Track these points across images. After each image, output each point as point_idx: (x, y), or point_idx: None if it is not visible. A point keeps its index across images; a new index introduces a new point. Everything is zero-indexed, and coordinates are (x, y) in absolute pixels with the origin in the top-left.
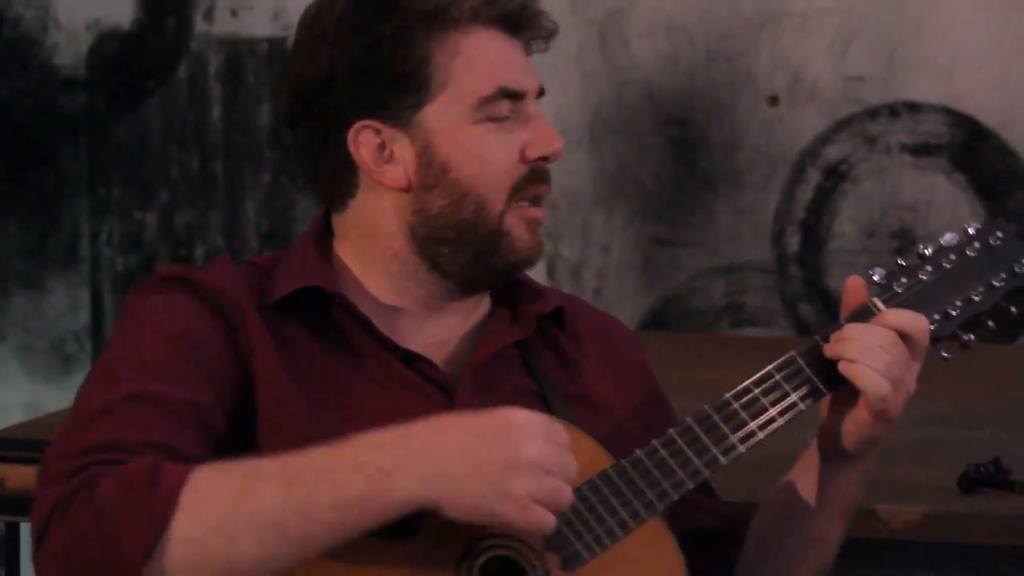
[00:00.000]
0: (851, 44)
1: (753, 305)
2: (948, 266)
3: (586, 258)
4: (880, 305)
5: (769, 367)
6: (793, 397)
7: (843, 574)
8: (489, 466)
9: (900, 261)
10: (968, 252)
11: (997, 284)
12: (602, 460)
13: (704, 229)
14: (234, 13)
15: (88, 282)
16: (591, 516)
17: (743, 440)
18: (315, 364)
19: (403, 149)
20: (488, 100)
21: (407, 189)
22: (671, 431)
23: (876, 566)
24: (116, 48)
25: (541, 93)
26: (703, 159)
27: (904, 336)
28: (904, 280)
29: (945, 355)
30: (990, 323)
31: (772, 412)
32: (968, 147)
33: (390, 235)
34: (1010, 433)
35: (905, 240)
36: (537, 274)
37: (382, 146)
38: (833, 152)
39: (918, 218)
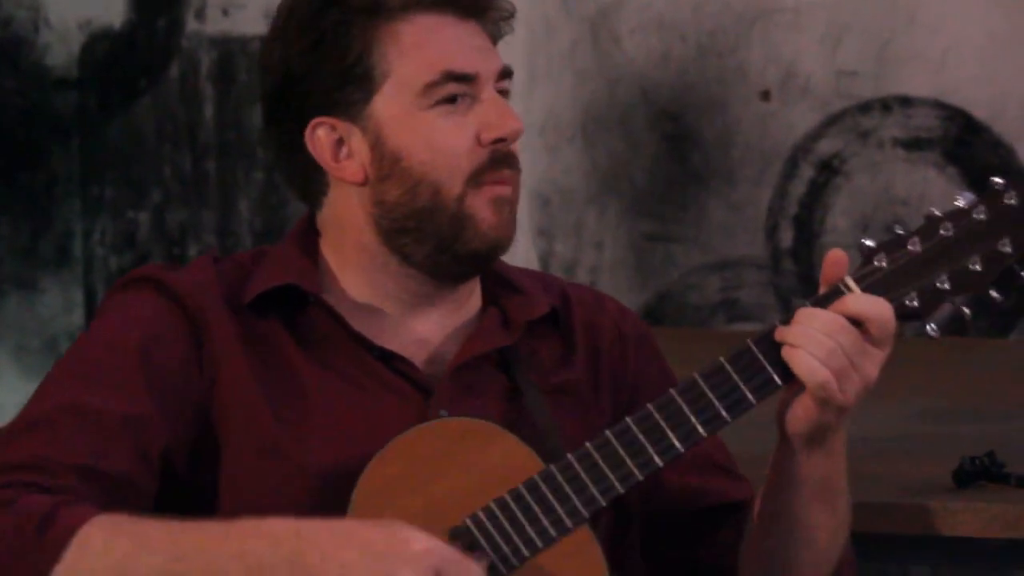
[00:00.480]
0: (842, 38)
1: (747, 300)
2: (945, 233)
3: (579, 255)
4: (851, 284)
5: (722, 358)
6: (743, 390)
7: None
8: None
9: (898, 228)
10: (974, 215)
11: (1004, 250)
12: (532, 466)
13: (697, 225)
14: (225, 12)
15: (82, 282)
16: (512, 527)
17: (684, 439)
18: (287, 363)
19: (358, 143)
20: (432, 85)
21: (365, 182)
22: (607, 432)
23: (871, 560)
24: (108, 48)
25: (507, 74)
26: (696, 155)
27: (861, 322)
28: (888, 254)
29: (932, 332)
30: (994, 294)
31: (719, 407)
32: (960, 141)
33: (358, 229)
34: (1004, 427)
35: None
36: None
37: (340, 142)
38: (826, 147)
39: (911, 212)
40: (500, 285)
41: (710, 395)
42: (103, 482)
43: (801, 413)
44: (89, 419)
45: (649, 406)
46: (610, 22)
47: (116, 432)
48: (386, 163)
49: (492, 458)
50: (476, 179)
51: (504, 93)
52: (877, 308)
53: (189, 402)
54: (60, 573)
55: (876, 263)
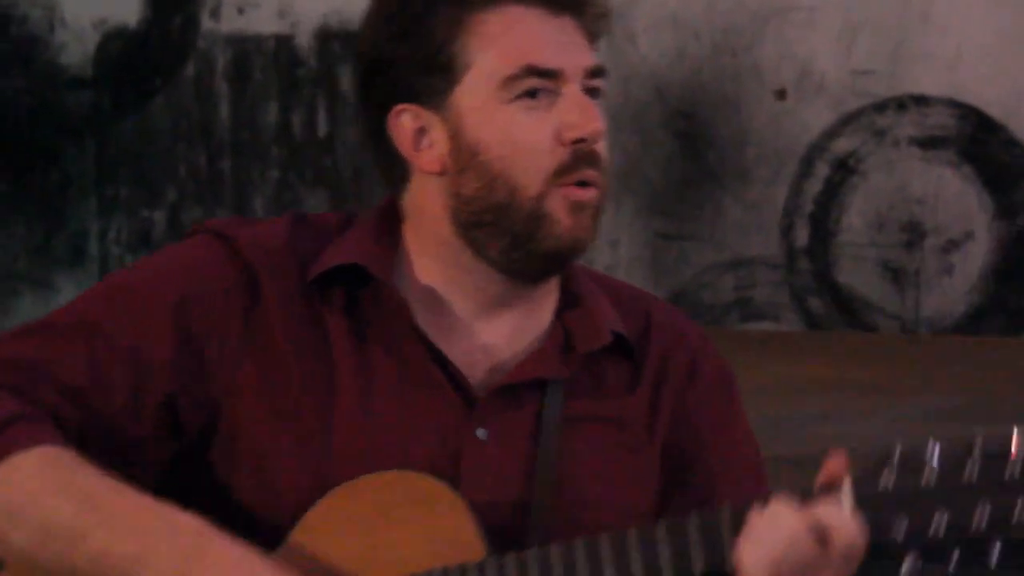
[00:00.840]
0: (857, 37)
1: (762, 299)
2: (964, 476)
3: (594, 254)
4: (846, 493)
5: (693, 514)
6: (690, 555)
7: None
8: None
9: (930, 447)
10: (1007, 470)
11: (1017, 516)
12: (473, 551)
13: (712, 223)
14: (240, 11)
15: (97, 280)
16: None
17: None
18: (334, 343)
19: (438, 132)
20: (512, 79)
21: (443, 173)
22: (552, 547)
23: (882, 559)
24: (123, 47)
25: (598, 73)
26: (710, 153)
27: (825, 539)
28: (898, 475)
29: (910, 572)
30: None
31: (661, 561)
32: (975, 139)
33: (436, 219)
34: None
35: (914, 233)
36: None
37: (422, 130)
38: (841, 145)
39: (926, 210)
40: (572, 301)
41: (660, 545)
42: (85, 411)
43: None
44: (99, 343)
45: (604, 535)
46: (625, 20)
47: (119, 366)
48: (464, 155)
49: (443, 529)
50: (558, 177)
51: (594, 92)
52: (842, 529)
53: (215, 365)
54: None
55: (883, 480)
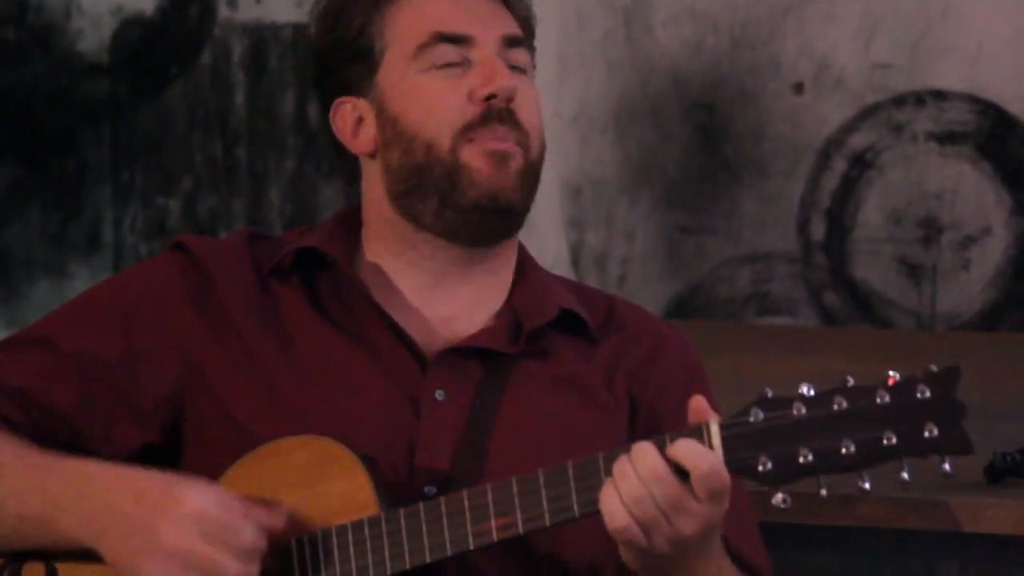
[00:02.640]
0: (876, 31)
1: (778, 294)
2: (836, 408)
3: (610, 246)
4: (713, 429)
5: (570, 462)
6: (572, 499)
7: (870, 562)
8: (132, 538)
9: (803, 387)
10: (876, 398)
11: (887, 443)
12: (367, 509)
13: (729, 217)
14: (257, 0)
15: (111, 268)
16: (324, 560)
17: (502, 529)
18: (296, 317)
19: (369, 116)
20: (424, 47)
21: (375, 153)
22: (441, 498)
23: (903, 555)
24: (139, 34)
25: (515, 42)
26: (728, 147)
27: (684, 473)
28: (768, 411)
29: (780, 503)
30: (822, 491)
31: (545, 509)
32: (994, 135)
33: (378, 200)
34: None
35: (931, 228)
36: (561, 262)
37: (360, 120)
38: (859, 140)
39: (944, 206)
40: (522, 283)
41: (542, 492)
42: (34, 410)
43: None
44: (48, 349)
45: (488, 485)
46: (643, 12)
47: (67, 367)
48: (388, 129)
49: (336, 491)
50: (466, 133)
51: (516, 67)
52: (700, 462)
53: (171, 356)
54: None
55: (751, 417)
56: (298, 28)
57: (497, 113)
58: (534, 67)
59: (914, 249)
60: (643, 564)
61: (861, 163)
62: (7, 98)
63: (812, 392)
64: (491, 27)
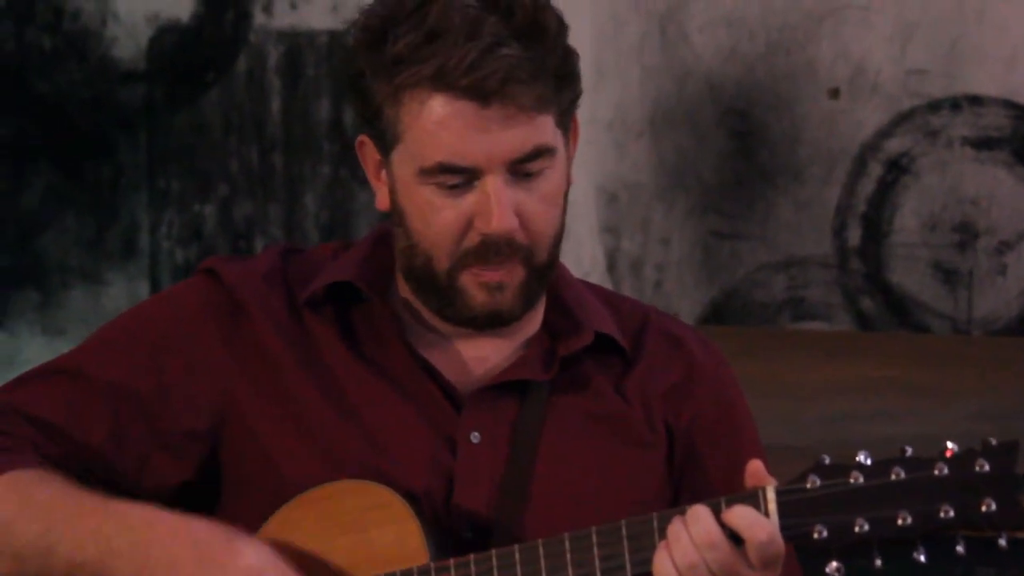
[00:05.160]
0: (912, 37)
1: (814, 299)
2: (895, 478)
3: (646, 252)
4: (770, 495)
5: (623, 521)
6: (624, 558)
7: (893, 569)
8: None
9: (861, 456)
10: (934, 470)
11: (944, 516)
12: (417, 558)
13: (764, 223)
14: (293, 6)
15: (147, 275)
16: None
17: None
18: (328, 356)
19: (388, 176)
20: (427, 172)
21: (388, 213)
22: (493, 551)
23: (934, 562)
24: (175, 41)
25: (531, 158)
26: (763, 152)
27: (739, 539)
28: (825, 478)
29: (836, 572)
30: (877, 562)
31: (597, 566)
32: None
33: (401, 252)
34: None
35: (967, 234)
36: (597, 270)
37: (380, 164)
38: (894, 145)
39: (980, 212)
40: (557, 307)
41: (595, 550)
42: (66, 445)
43: None
44: (80, 382)
45: (540, 541)
46: (678, 18)
47: (98, 400)
48: (397, 213)
49: (386, 538)
50: (463, 259)
51: (529, 174)
52: (755, 530)
53: (204, 390)
54: None
55: (808, 483)
56: (334, 35)
57: (495, 246)
58: (566, 130)
59: (950, 254)
60: None
61: (897, 168)
62: (43, 105)
63: (870, 461)
64: (502, 152)
